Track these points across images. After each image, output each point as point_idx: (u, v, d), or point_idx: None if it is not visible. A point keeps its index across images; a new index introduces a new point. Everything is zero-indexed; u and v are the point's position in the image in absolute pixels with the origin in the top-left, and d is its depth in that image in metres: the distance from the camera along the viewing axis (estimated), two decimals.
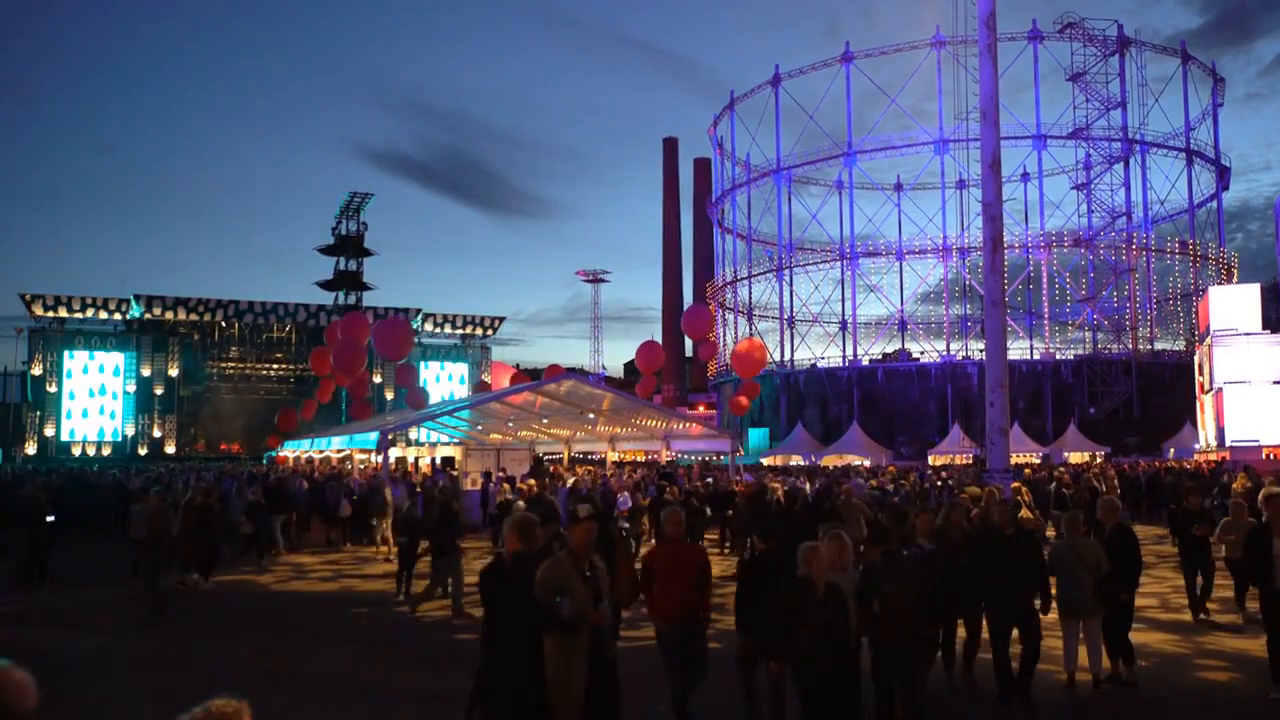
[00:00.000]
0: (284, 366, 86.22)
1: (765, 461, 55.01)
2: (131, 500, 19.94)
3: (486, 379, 67.20)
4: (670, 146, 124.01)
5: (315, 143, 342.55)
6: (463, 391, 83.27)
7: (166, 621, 13.59)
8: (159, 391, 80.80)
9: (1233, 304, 46.95)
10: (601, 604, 6.25)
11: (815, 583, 6.70)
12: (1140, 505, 28.81)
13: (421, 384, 39.82)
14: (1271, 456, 40.31)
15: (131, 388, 79.79)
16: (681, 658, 7.73)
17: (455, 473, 31.17)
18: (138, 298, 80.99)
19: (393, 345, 26.90)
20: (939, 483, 27.85)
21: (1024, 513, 15.03)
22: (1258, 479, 23.97)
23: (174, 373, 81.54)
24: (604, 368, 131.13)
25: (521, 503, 19.13)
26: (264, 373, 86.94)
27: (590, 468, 37.32)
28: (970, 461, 46.35)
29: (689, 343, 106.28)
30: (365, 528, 23.82)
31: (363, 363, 30.62)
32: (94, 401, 78.82)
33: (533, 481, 22.53)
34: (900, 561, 7.53)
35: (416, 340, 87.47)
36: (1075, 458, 52.57)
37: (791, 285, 74.49)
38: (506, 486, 24.67)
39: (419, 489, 23.70)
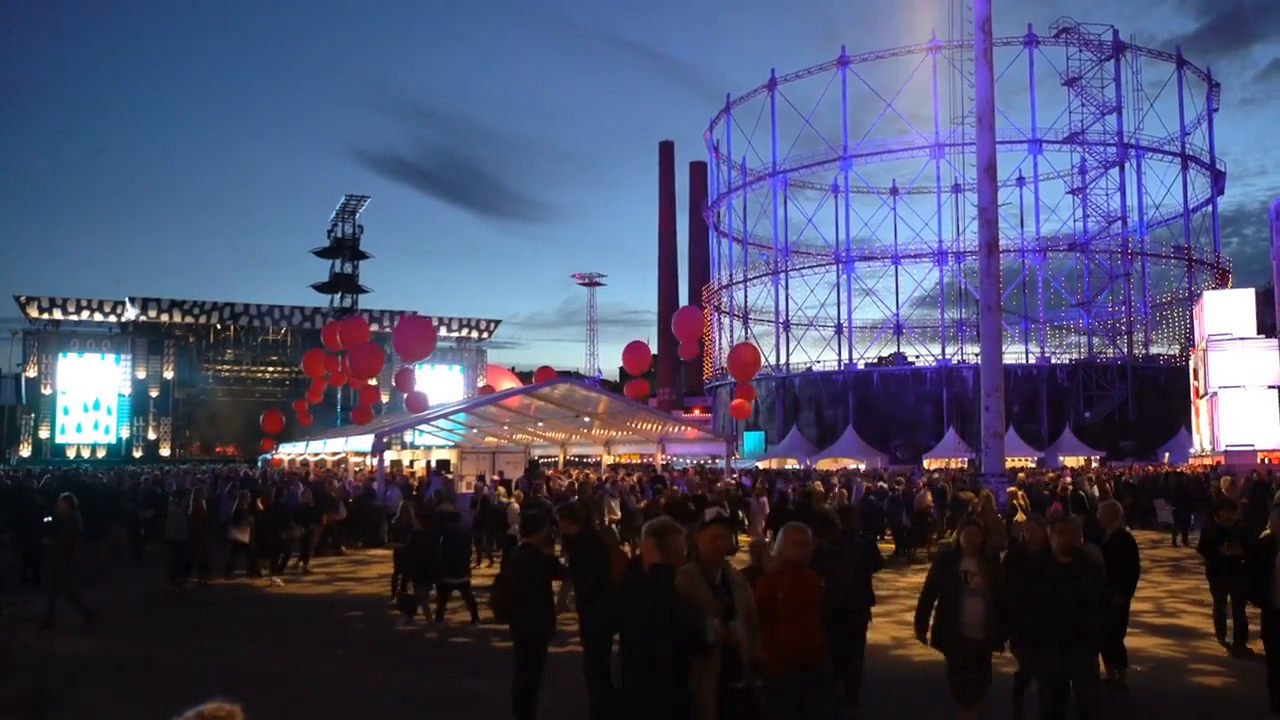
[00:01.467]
0: (279, 369, 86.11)
1: (760, 465, 55.00)
2: (168, 502, 20.20)
3: (482, 382, 67.13)
4: (666, 150, 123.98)
5: (311, 145, 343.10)
6: (458, 394, 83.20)
7: (90, 633, 12.85)
8: (154, 394, 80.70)
9: (1228, 309, 47.06)
10: (733, 621, 5.54)
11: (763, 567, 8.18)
12: (1136, 510, 28.79)
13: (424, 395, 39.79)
14: (1266, 461, 40.38)
15: (127, 390, 79.70)
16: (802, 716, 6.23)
17: (450, 475, 31.13)
18: (133, 300, 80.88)
19: (415, 347, 26.67)
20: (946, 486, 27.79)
21: (1020, 517, 15.04)
22: (1256, 482, 23.94)
23: (169, 375, 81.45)
24: (599, 371, 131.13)
25: (515, 505, 19.14)
26: (259, 375, 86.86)
27: (589, 471, 37.32)
28: (965, 465, 46.39)
29: (681, 345, 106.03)
30: (361, 531, 23.75)
31: (380, 367, 30.50)
32: (89, 404, 78.69)
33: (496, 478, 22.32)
34: (843, 547, 8.78)
35: None
36: (1070, 462, 52.62)
37: (787, 289, 74.59)
38: (502, 490, 24.60)
39: (415, 492, 23.68)
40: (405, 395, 29.27)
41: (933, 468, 48.98)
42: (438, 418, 34.61)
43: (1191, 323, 55.50)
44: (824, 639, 6.47)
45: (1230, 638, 11.46)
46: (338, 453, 39.42)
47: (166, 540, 17.53)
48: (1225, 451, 42.74)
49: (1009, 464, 32.15)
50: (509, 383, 38.42)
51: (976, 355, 53.71)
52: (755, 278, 77.91)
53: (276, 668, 11.03)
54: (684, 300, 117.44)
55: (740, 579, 5.94)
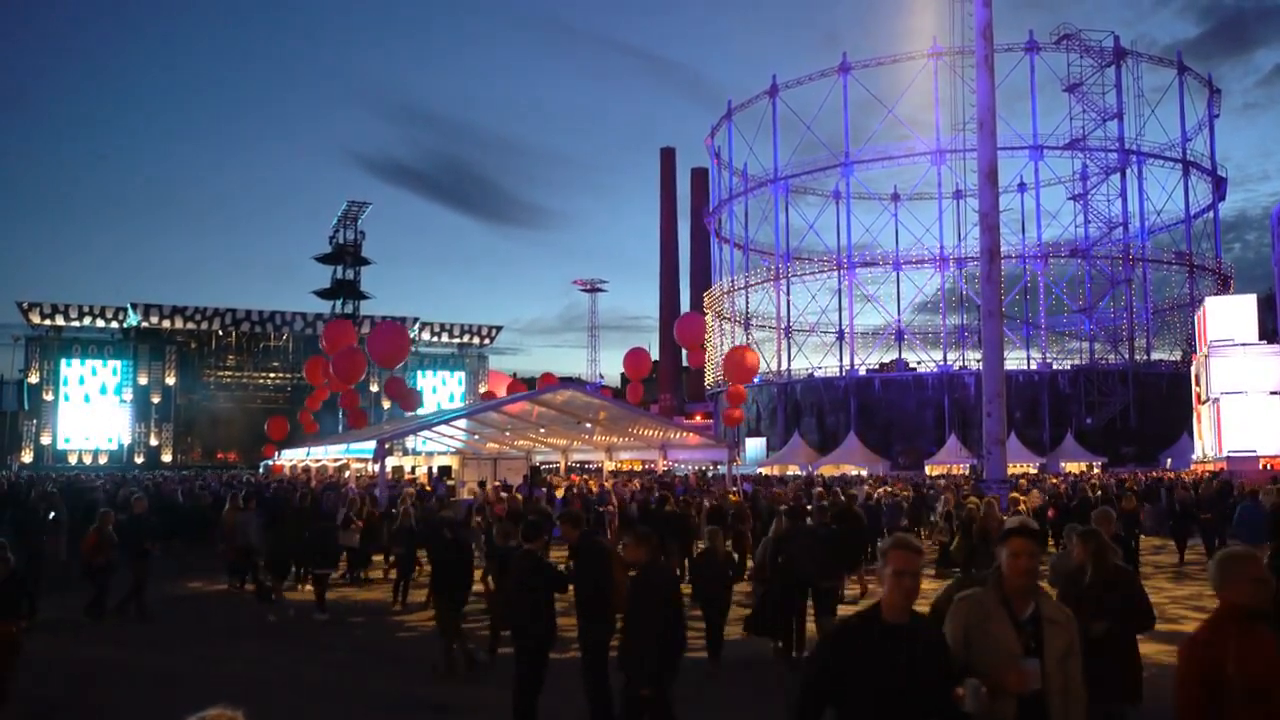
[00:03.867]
0: (281, 375, 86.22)
1: (762, 471, 54.99)
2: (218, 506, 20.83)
3: (483, 388, 67.24)
4: (668, 156, 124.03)
5: (313, 151, 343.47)
6: (460, 400, 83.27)
7: None
8: (156, 400, 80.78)
9: (1229, 315, 46.98)
10: (1028, 662, 4.01)
11: (717, 551, 11.49)
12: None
13: (419, 392, 39.53)
14: (1268, 467, 40.32)
15: (128, 396, 79.77)
16: None
17: (451, 482, 31.14)
18: (135, 306, 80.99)
19: (388, 352, 26.74)
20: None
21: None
22: None
23: (171, 381, 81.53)
24: (601, 377, 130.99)
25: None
26: (261, 381, 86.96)
27: (587, 476, 37.32)
28: (967, 471, 46.36)
29: (686, 352, 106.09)
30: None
31: (363, 370, 30.49)
32: (91, 409, 78.74)
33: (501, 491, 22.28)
34: (802, 530, 11.62)
35: (414, 349, 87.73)
36: (1072, 468, 52.61)
37: (789, 295, 74.70)
38: (502, 494, 24.56)
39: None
40: (399, 398, 29.35)
41: (935, 473, 48.96)
42: (439, 423, 34.60)
43: (1193, 328, 55.46)
44: None
45: None
46: (339, 459, 39.40)
47: (239, 546, 17.68)
48: (1227, 458, 42.68)
49: (1010, 470, 32.14)
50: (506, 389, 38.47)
51: (978, 361, 53.69)
52: (757, 284, 78.03)
53: (278, 673, 11.04)
54: (685, 306, 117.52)
55: (1062, 615, 4.26)
